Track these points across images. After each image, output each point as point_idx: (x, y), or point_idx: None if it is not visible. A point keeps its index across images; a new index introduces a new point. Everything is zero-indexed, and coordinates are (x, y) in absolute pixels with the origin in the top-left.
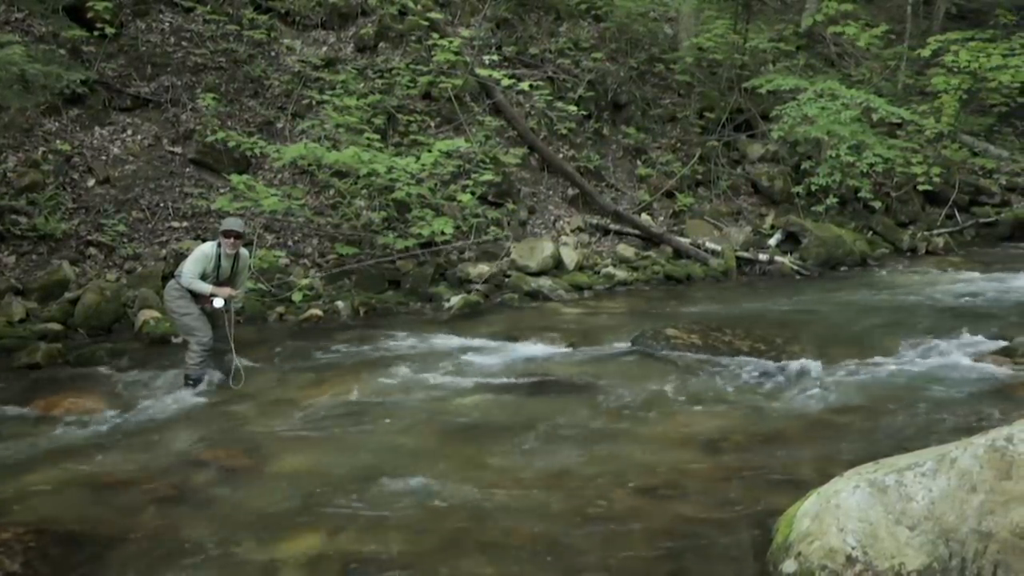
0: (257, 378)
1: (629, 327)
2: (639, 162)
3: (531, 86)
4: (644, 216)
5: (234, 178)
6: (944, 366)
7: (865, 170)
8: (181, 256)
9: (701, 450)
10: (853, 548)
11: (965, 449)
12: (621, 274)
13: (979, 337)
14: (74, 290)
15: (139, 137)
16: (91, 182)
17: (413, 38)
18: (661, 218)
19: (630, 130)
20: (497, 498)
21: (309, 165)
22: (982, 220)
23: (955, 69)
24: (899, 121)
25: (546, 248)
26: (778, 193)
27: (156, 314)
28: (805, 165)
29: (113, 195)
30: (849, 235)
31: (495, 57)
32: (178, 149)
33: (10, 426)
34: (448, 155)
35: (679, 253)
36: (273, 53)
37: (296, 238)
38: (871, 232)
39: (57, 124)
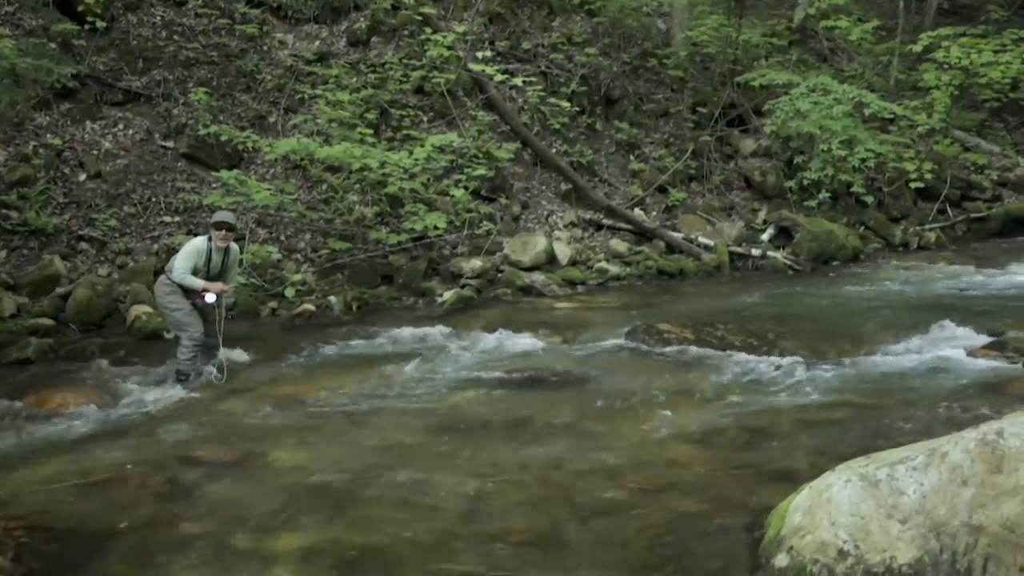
0: (250, 373)
1: (622, 322)
2: (632, 157)
3: (524, 81)
4: (637, 211)
5: (223, 174)
6: (935, 360)
7: (857, 165)
8: (173, 251)
9: (693, 444)
10: (845, 542)
11: (956, 443)
12: (614, 269)
13: (970, 331)
14: (65, 285)
15: (131, 131)
16: (82, 176)
17: (406, 33)
18: (654, 213)
19: (623, 125)
20: (490, 493)
21: (301, 160)
22: (973, 215)
23: (947, 65)
24: (891, 116)
25: (539, 243)
26: (771, 188)
27: (148, 309)
28: (798, 160)
29: (104, 190)
30: (841, 230)
31: (488, 52)
32: (170, 143)
33: (1, 422)
34: (441, 150)
35: (672, 248)
36: (265, 47)
37: (289, 233)
38: (863, 227)
39: (48, 118)
